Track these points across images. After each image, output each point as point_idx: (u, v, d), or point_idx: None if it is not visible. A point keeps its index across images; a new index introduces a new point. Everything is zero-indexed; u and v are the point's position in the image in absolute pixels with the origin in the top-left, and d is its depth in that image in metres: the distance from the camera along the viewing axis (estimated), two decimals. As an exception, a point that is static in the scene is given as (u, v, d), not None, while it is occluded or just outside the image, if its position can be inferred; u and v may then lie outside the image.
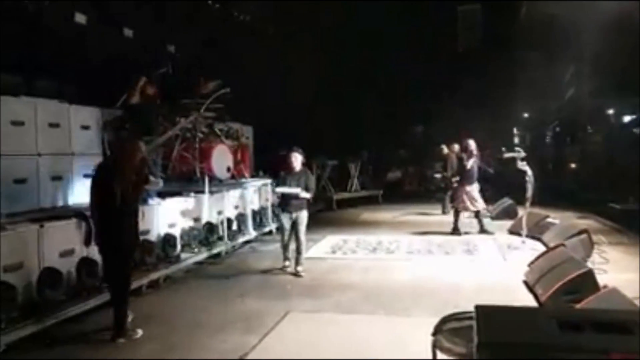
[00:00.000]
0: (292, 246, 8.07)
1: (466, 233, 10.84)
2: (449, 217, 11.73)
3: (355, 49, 16.90)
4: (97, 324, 5.71)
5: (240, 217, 10.31)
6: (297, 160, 8.00)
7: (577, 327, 3.05)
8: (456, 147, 11.23)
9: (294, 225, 7.90)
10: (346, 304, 6.47)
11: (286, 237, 8.03)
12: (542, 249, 8.52)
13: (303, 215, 7.95)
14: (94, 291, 6.13)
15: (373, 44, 16.80)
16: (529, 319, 3.32)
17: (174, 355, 5.01)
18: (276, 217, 9.58)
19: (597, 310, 4.23)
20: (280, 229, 8.19)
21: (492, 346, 2.91)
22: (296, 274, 7.82)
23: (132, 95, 8.16)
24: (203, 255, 8.55)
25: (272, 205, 11.11)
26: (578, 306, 5.04)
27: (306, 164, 8.36)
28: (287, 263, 8.05)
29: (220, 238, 9.21)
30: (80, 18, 8.57)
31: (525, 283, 6.97)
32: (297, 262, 7.94)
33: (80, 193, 7.85)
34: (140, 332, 5.52)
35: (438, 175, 14.89)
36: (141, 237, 7.31)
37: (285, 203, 7.95)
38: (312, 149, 16.82)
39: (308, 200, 8.07)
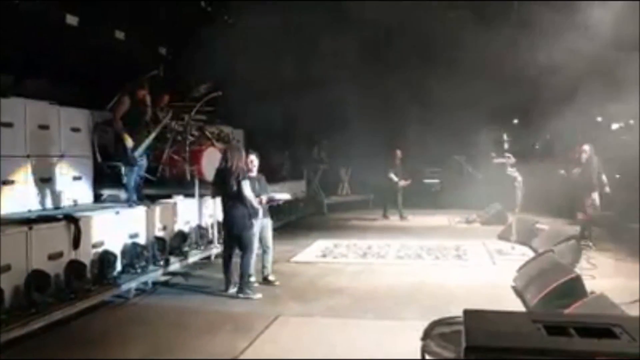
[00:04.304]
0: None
1: None
2: (440, 222, 11.76)
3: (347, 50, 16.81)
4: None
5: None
6: (254, 163, 7.49)
7: (564, 332, 3.07)
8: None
9: (261, 232, 7.48)
10: (336, 308, 6.47)
11: (255, 246, 7.26)
12: (532, 254, 8.57)
13: (269, 222, 7.65)
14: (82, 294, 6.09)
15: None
16: (517, 323, 3.34)
17: (163, 356, 4.98)
18: None
19: (584, 315, 4.26)
20: None
21: (480, 350, 2.93)
22: (271, 283, 7.49)
23: (124, 102, 7.78)
24: (193, 258, 8.51)
25: None
26: (566, 311, 5.08)
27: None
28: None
29: (211, 241, 9.18)
30: (71, 20, 8.54)
31: (514, 288, 7.01)
32: (269, 271, 7.58)
33: (69, 195, 7.84)
34: (259, 295, 6.87)
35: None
36: (130, 241, 7.33)
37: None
38: (302, 152, 16.88)
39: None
